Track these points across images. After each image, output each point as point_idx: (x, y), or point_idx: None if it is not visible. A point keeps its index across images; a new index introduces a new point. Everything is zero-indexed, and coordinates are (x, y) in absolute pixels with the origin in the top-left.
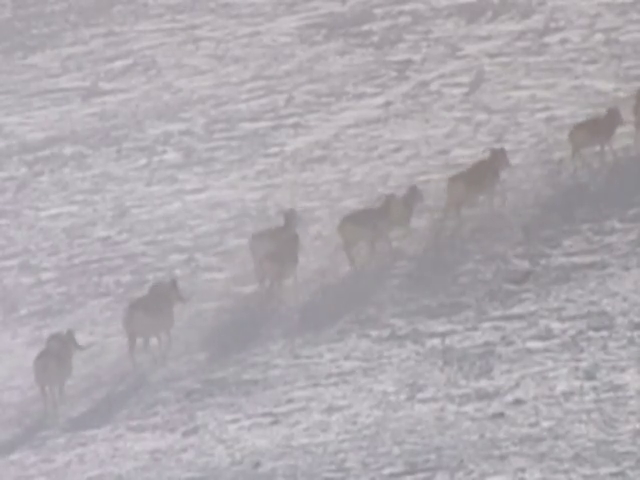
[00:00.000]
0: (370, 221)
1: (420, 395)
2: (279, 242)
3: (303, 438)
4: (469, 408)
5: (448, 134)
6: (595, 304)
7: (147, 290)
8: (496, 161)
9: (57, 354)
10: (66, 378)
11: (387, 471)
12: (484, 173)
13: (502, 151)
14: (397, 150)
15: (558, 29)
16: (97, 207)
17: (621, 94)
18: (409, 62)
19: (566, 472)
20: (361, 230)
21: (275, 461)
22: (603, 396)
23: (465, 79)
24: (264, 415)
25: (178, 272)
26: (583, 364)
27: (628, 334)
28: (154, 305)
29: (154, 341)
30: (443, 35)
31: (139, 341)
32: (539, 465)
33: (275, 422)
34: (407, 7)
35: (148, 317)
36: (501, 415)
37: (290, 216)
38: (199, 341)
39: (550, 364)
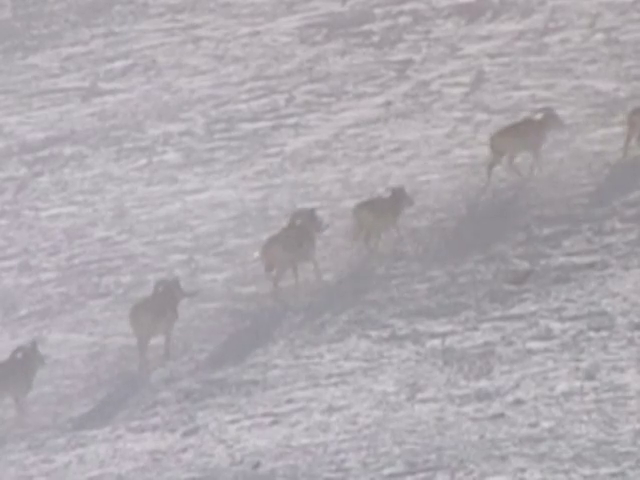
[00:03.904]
0: None
1: (420, 395)
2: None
3: (303, 438)
4: (469, 408)
5: (448, 134)
6: (595, 304)
7: (287, 223)
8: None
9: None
10: (165, 329)
11: (387, 471)
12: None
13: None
14: (397, 150)
15: (558, 29)
16: (97, 207)
17: (621, 94)
18: (409, 62)
19: (566, 472)
20: None
21: (275, 461)
22: (603, 396)
23: (465, 79)
24: (264, 415)
25: (178, 272)
26: (583, 364)
27: (628, 334)
28: (292, 240)
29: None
30: (443, 35)
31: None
32: (539, 465)
33: (275, 422)
34: (407, 7)
35: (286, 252)
36: (501, 415)
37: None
38: (199, 341)
39: (550, 364)
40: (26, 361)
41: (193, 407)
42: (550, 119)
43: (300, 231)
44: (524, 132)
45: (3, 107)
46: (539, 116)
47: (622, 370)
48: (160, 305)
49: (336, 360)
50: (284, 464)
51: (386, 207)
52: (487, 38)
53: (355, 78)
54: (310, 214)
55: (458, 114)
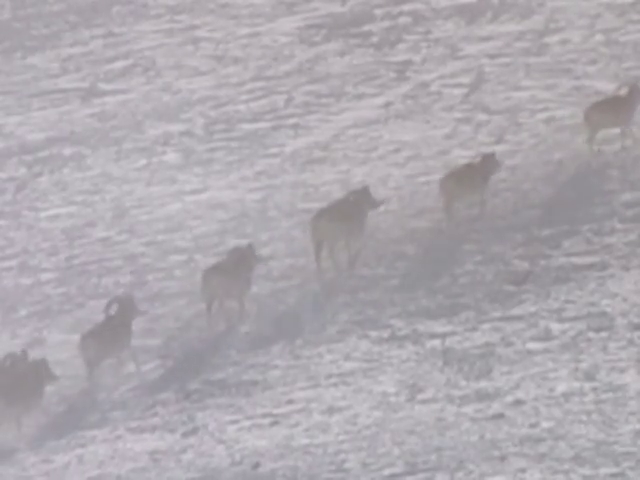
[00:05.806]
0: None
1: (420, 396)
2: None
3: (303, 439)
4: (469, 409)
5: (448, 135)
6: (595, 305)
7: (341, 198)
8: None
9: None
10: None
11: (387, 472)
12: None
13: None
14: (397, 151)
15: (558, 30)
16: (96, 208)
17: (621, 95)
18: (409, 63)
19: (566, 473)
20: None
21: (275, 462)
22: (603, 397)
23: (465, 80)
24: (264, 416)
25: (178, 273)
26: (583, 365)
27: (628, 335)
28: (340, 212)
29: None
30: (443, 36)
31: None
32: (539, 466)
33: (275, 423)
34: (407, 8)
35: (337, 223)
36: (501, 416)
37: None
38: (199, 341)
39: (550, 365)
40: (121, 313)
41: (193, 407)
42: (637, 93)
43: (352, 206)
44: (617, 107)
45: (3, 108)
46: (624, 91)
47: (622, 371)
48: (233, 270)
49: (336, 360)
50: (284, 465)
51: (474, 173)
52: (487, 39)
53: (355, 79)
54: (364, 191)
55: (458, 115)
